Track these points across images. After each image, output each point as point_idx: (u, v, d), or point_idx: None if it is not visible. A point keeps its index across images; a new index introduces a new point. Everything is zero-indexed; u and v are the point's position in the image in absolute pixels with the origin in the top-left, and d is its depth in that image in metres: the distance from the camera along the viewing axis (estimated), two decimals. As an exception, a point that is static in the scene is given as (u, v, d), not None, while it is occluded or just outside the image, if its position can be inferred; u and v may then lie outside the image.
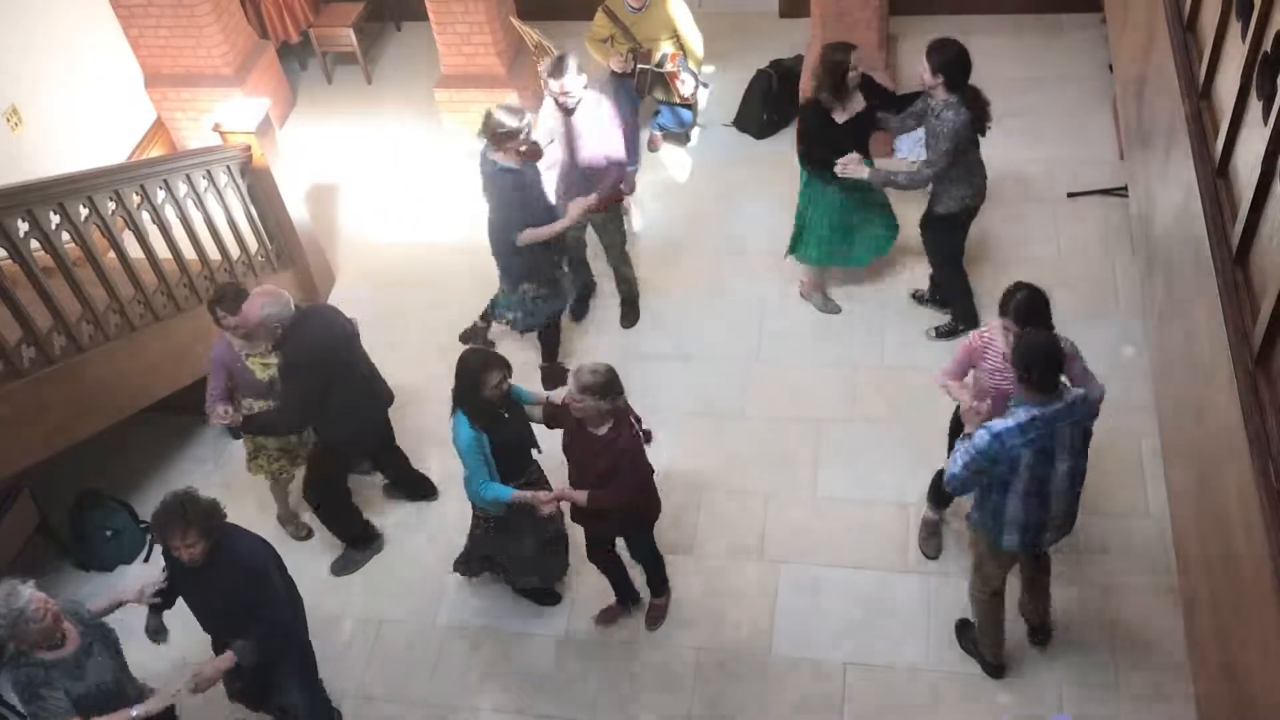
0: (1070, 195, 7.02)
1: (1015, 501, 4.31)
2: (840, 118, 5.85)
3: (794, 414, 6.27)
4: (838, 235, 6.31)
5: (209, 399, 5.32)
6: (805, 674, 5.23)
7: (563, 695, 5.33)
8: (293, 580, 4.83)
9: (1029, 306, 4.38)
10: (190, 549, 4.19)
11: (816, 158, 5.96)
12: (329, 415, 5.29)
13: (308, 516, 6.06)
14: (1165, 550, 5.23)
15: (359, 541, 5.90)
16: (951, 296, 6.40)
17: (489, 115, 5.70)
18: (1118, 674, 5.04)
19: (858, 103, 5.85)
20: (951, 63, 5.40)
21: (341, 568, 5.90)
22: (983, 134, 5.64)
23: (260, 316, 4.94)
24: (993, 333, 4.66)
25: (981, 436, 4.17)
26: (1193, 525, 3.28)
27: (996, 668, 5.07)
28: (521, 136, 5.71)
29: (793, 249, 6.53)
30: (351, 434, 5.48)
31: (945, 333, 6.44)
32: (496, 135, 5.69)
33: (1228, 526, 2.83)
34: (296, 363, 5.08)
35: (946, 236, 6.08)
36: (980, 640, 5.06)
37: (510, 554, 5.30)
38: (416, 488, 6.13)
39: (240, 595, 4.39)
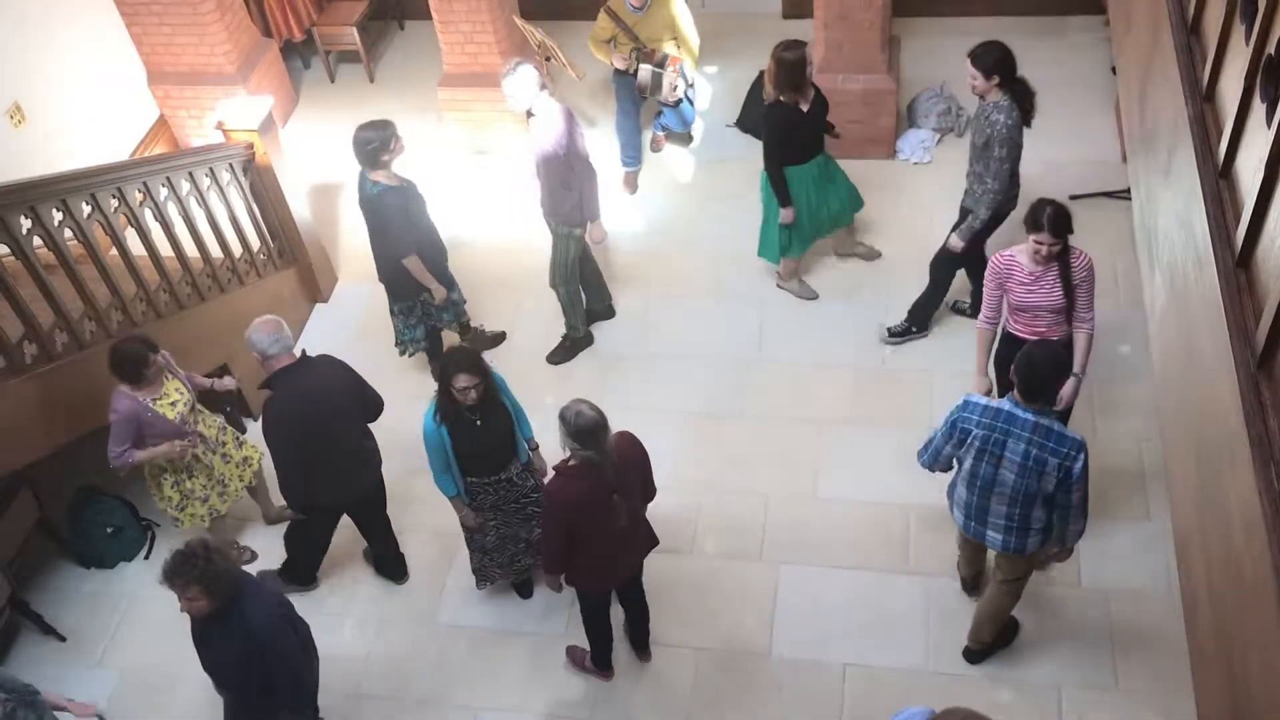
0: (1073, 197, 7.02)
1: (962, 484, 4.62)
2: (805, 107, 6.10)
3: (794, 414, 6.28)
4: (808, 220, 6.46)
5: (122, 453, 5.08)
6: (805, 674, 5.24)
7: (561, 695, 5.33)
8: (310, 637, 4.68)
9: (1058, 217, 4.75)
10: (192, 602, 4.07)
11: (794, 151, 6.21)
12: (299, 477, 5.15)
13: (246, 540, 6.03)
14: (1165, 550, 5.25)
15: (295, 578, 5.72)
16: (934, 281, 6.38)
17: (354, 137, 5.65)
18: (1117, 674, 5.06)
19: (810, 89, 6.14)
20: (1002, 61, 5.50)
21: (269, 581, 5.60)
22: (1028, 125, 5.69)
23: (259, 344, 4.88)
24: (1015, 254, 4.99)
25: (961, 399, 4.53)
26: (1193, 526, 3.28)
27: (964, 580, 5.36)
28: (392, 147, 5.66)
29: (783, 252, 6.64)
30: (315, 499, 5.30)
31: (898, 333, 6.55)
32: (366, 154, 5.65)
33: (1228, 527, 2.83)
34: (266, 421, 5.00)
35: (978, 236, 6.04)
36: None
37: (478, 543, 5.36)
38: (391, 568, 5.82)
39: (245, 663, 4.22)
